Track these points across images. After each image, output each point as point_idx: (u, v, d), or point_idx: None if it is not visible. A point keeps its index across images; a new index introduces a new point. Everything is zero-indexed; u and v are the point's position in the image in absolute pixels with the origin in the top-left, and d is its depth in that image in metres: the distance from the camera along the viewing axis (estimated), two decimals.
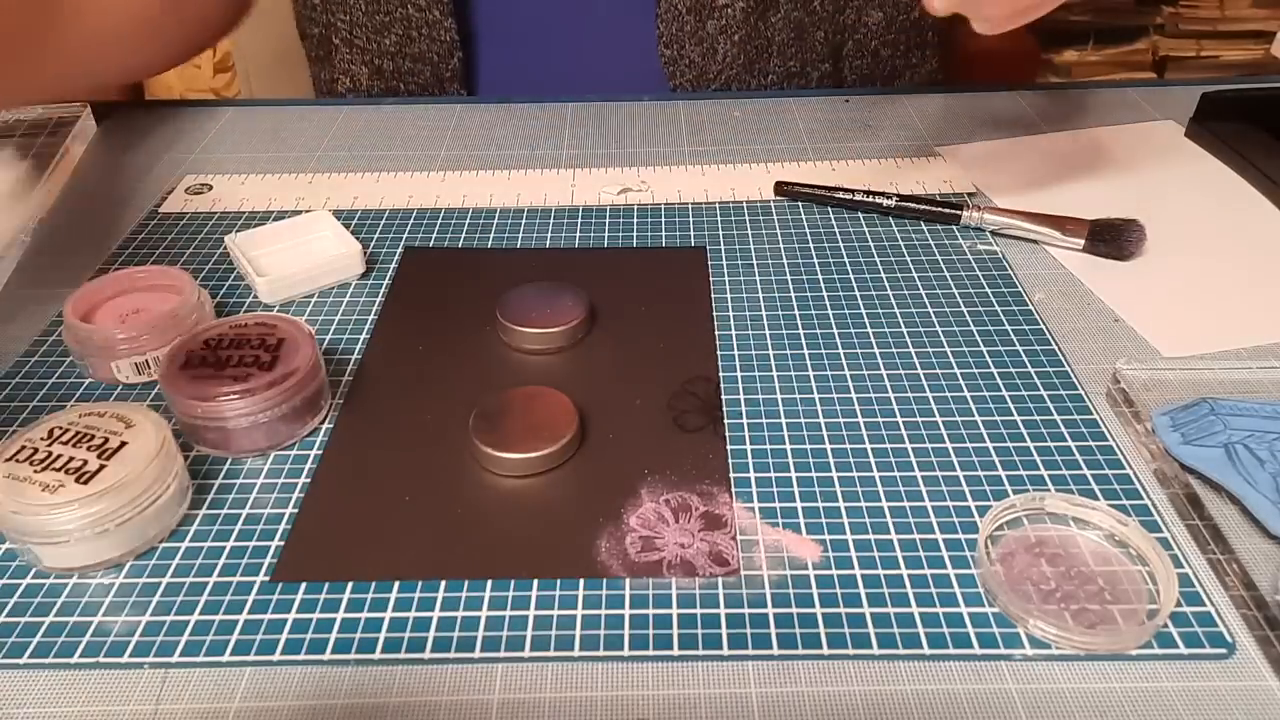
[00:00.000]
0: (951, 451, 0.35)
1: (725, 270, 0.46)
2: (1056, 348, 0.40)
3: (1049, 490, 0.33)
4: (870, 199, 0.50)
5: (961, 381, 0.39)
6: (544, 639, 0.29)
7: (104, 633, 0.29)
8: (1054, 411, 0.37)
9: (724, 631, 0.29)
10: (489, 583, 0.31)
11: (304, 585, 0.31)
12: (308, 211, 0.50)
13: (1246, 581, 0.29)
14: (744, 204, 0.51)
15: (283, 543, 0.32)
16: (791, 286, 0.45)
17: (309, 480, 0.35)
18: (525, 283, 0.43)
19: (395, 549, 0.32)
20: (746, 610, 0.29)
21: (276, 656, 0.29)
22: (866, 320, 0.42)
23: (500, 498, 0.34)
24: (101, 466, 0.31)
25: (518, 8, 0.68)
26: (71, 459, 0.31)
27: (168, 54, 0.44)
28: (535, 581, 0.31)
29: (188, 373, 0.35)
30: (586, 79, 0.66)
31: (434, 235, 0.49)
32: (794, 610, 0.29)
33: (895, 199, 0.49)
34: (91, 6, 0.37)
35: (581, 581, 0.30)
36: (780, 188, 0.52)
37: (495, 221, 0.51)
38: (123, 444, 0.32)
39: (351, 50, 0.67)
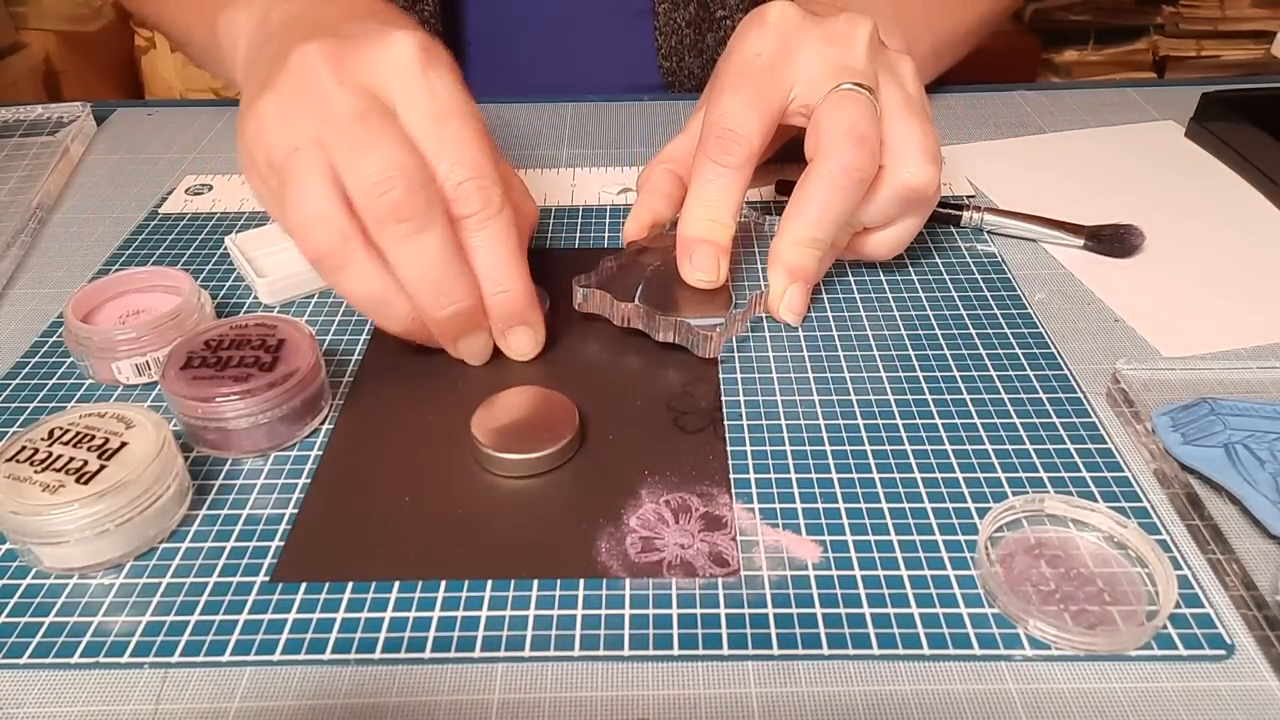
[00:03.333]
0: (951, 453, 0.35)
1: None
2: (1056, 349, 0.40)
3: (1048, 491, 0.33)
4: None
5: (961, 383, 0.39)
6: (544, 639, 0.29)
7: (104, 633, 0.29)
8: (1053, 413, 0.37)
9: (724, 631, 0.29)
10: (489, 583, 0.31)
11: (304, 585, 0.31)
12: None
13: (1246, 582, 0.29)
14: (744, 204, 0.51)
15: (283, 543, 0.32)
16: None
17: (309, 480, 0.35)
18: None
19: (395, 549, 0.32)
20: (746, 610, 0.30)
21: (276, 656, 0.29)
22: (866, 321, 0.42)
23: (500, 498, 0.34)
24: (102, 467, 0.31)
25: (513, 19, 0.68)
26: (72, 459, 0.31)
27: None
28: (535, 581, 0.31)
29: (188, 373, 0.35)
30: (585, 90, 0.66)
31: None
32: (794, 610, 0.29)
33: None
34: None
35: (581, 582, 0.30)
36: (781, 186, 0.52)
37: None
38: (123, 444, 0.32)
39: None
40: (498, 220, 0.37)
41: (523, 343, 0.40)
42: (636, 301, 0.40)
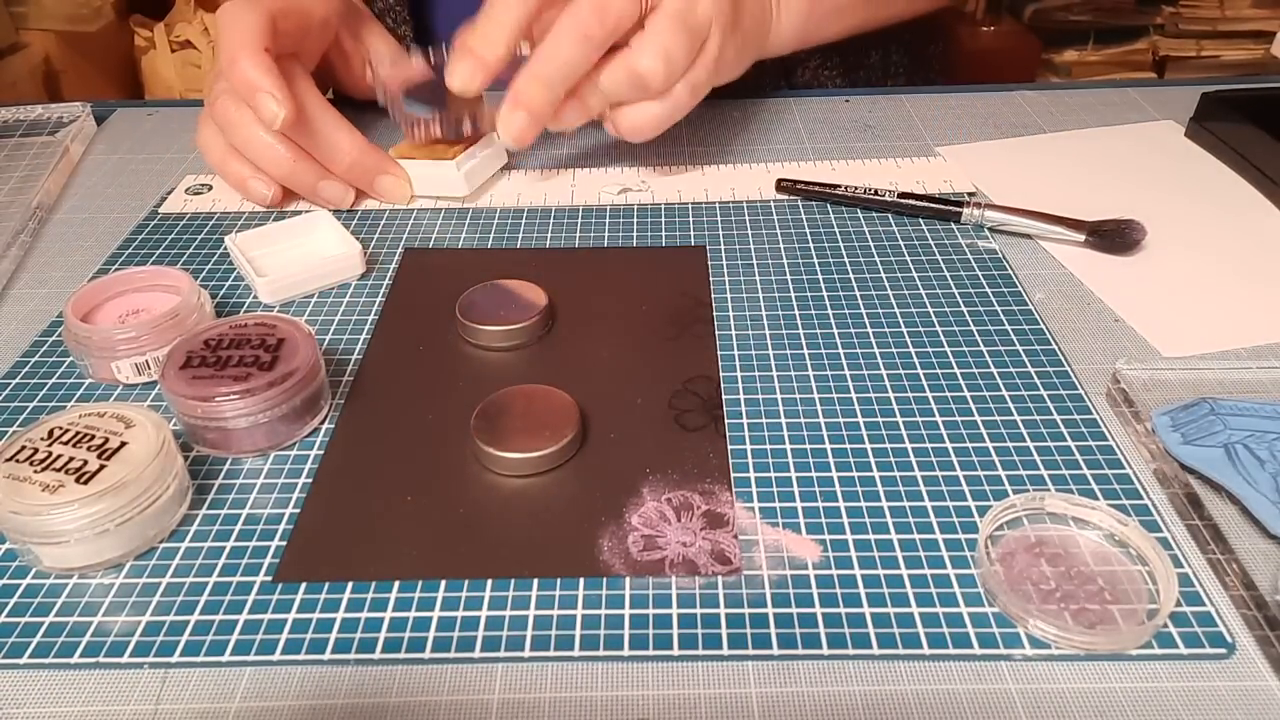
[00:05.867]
0: (951, 451, 0.35)
1: (725, 270, 0.46)
2: (1056, 347, 0.40)
3: (1049, 490, 0.33)
4: (872, 194, 0.50)
5: (961, 381, 0.38)
6: (544, 639, 0.29)
7: (104, 633, 0.29)
8: (1054, 411, 0.37)
9: (724, 631, 0.29)
10: (489, 582, 0.31)
11: (304, 585, 0.31)
12: (308, 211, 0.50)
13: (1246, 581, 0.29)
14: (744, 203, 0.51)
15: (283, 543, 0.32)
16: (791, 286, 0.45)
17: (309, 480, 0.35)
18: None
19: (395, 549, 0.32)
20: (746, 610, 0.29)
21: (276, 656, 0.29)
22: (866, 320, 0.42)
23: (502, 497, 0.34)
24: (101, 466, 0.31)
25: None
26: (71, 459, 0.31)
27: None
28: (535, 581, 0.31)
29: (188, 373, 0.35)
30: None
31: (434, 235, 0.49)
32: (794, 610, 0.29)
33: (898, 192, 0.49)
34: None
35: (581, 581, 0.30)
36: (781, 184, 0.52)
37: (495, 221, 0.51)
38: (123, 444, 0.32)
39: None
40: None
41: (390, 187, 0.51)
42: (409, 96, 0.50)
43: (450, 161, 0.51)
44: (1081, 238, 0.47)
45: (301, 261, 0.46)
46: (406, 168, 0.51)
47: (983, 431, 0.36)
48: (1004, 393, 0.38)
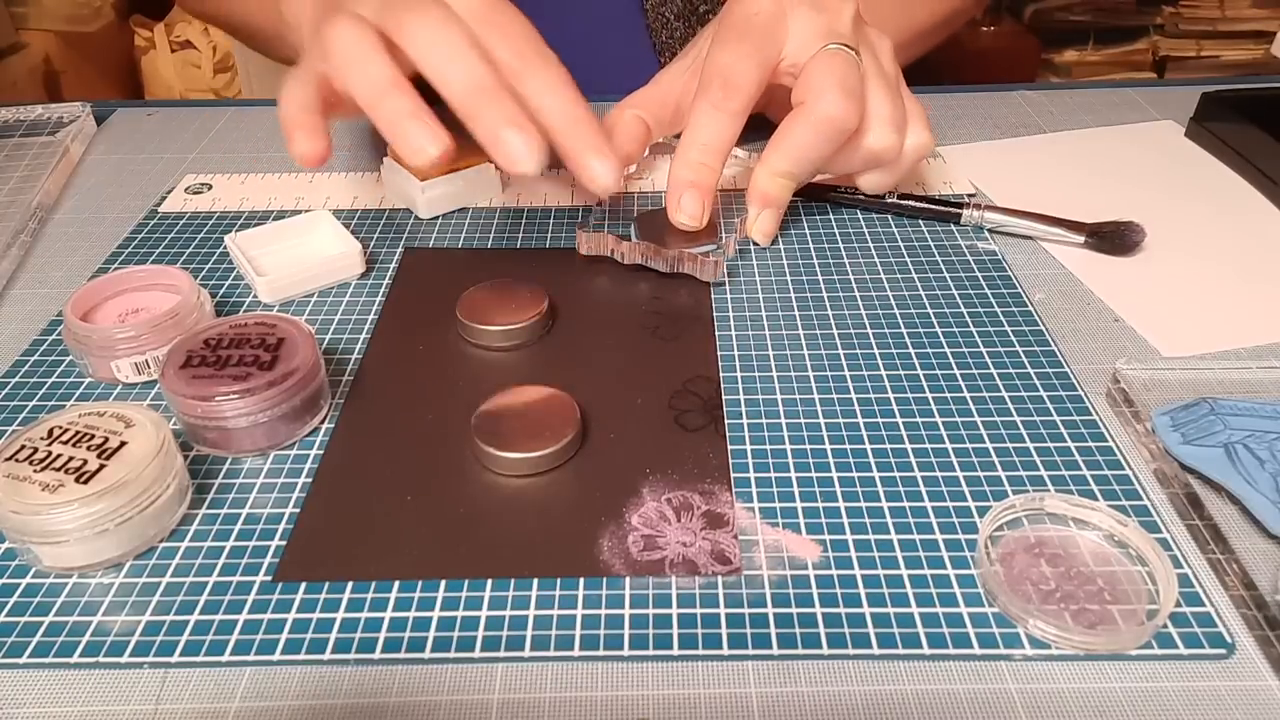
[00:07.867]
0: (951, 452, 0.35)
1: (725, 270, 0.46)
2: (1056, 348, 0.40)
3: (1049, 490, 0.33)
4: (872, 195, 0.50)
5: (961, 381, 0.38)
6: (544, 639, 0.29)
7: (104, 633, 0.29)
8: (1054, 412, 0.37)
9: (724, 631, 0.29)
10: (489, 582, 0.31)
11: (304, 585, 0.31)
12: (308, 211, 0.50)
13: (1246, 581, 0.29)
14: (744, 203, 0.51)
15: (283, 543, 0.32)
16: (791, 286, 0.45)
17: (309, 480, 0.35)
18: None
19: (395, 549, 0.32)
20: (746, 610, 0.29)
21: (276, 656, 0.29)
22: (866, 320, 0.42)
23: (502, 497, 0.34)
24: (101, 466, 0.31)
25: None
26: (71, 458, 0.31)
27: None
28: (535, 581, 0.31)
29: (187, 372, 0.35)
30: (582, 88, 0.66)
31: (434, 235, 0.49)
32: (794, 610, 0.29)
33: (896, 194, 0.49)
34: None
35: (581, 581, 0.30)
36: None
37: (495, 221, 0.50)
38: (123, 444, 0.32)
39: None
40: (558, 69, 0.42)
41: (600, 171, 0.42)
42: (635, 239, 0.45)
43: (419, 182, 0.50)
44: (1081, 239, 0.47)
45: (301, 261, 0.46)
46: (390, 168, 0.51)
47: (983, 432, 0.36)
48: (1004, 393, 0.38)
